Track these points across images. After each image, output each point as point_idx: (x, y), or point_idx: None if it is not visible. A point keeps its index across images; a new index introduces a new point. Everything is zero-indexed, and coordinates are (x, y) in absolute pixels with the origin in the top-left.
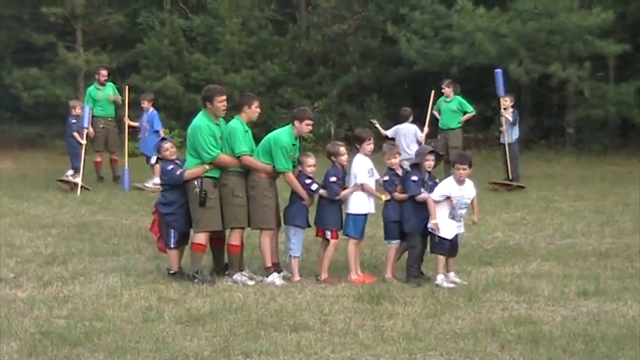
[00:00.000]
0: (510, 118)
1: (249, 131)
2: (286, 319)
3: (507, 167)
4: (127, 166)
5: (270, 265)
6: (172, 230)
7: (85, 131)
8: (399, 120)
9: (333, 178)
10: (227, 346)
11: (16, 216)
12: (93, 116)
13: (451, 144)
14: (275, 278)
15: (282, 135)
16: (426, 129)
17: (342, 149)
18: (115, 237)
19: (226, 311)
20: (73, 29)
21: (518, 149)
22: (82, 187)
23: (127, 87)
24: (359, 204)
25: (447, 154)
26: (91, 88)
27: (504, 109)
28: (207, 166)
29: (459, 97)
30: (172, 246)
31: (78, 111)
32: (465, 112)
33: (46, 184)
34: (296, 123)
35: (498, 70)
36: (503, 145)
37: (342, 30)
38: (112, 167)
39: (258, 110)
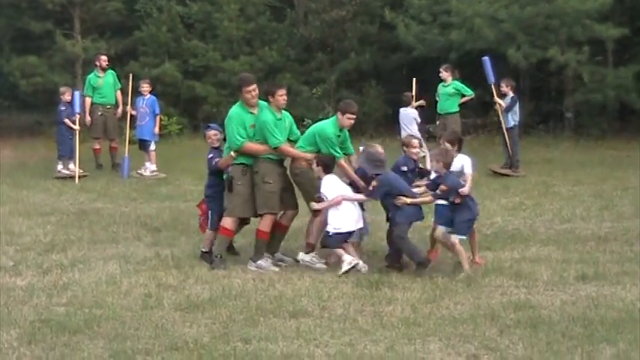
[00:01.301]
0: (503, 104)
1: (282, 118)
2: (285, 305)
3: (507, 153)
4: (127, 154)
5: (312, 242)
6: (210, 212)
7: (77, 117)
8: (401, 104)
9: (404, 168)
10: (226, 332)
11: (15, 204)
12: (92, 103)
13: (450, 129)
14: (305, 256)
15: (326, 126)
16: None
17: (415, 142)
18: (114, 224)
19: (225, 298)
20: (71, 16)
21: (517, 135)
22: (79, 174)
23: (130, 75)
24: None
25: None
26: (91, 76)
27: (499, 95)
28: (233, 154)
29: (456, 82)
30: (209, 227)
31: (67, 97)
32: (464, 96)
33: (45, 172)
34: (339, 115)
35: (485, 58)
36: (502, 130)
37: (340, 16)
38: (111, 155)
39: (284, 98)
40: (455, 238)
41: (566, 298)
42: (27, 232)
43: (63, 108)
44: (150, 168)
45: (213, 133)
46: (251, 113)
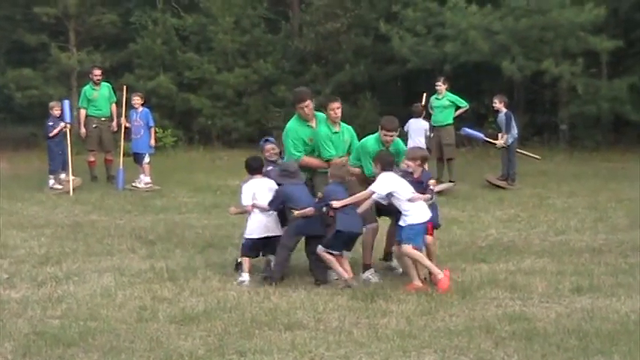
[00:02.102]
0: (503, 142)
1: (340, 132)
2: (280, 318)
3: (506, 167)
4: (121, 166)
5: (368, 262)
6: None
7: (68, 126)
8: (410, 115)
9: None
10: (221, 345)
11: (10, 216)
12: (87, 116)
13: (445, 141)
14: (369, 274)
15: (368, 142)
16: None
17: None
18: (109, 237)
19: (220, 310)
20: (66, 29)
21: (516, 149)
22: (74, 185)
23: (124, 87)
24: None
25: (441, 151)
26: (86, 88)
27: (496, 110)
28: None
29: (450, 93)
30: None
31: (56, 112)
32: (458, 107)
33: (40, 184)
34: (380, 131)
35: (463, 129)
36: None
37: (335, 28)
38: (106, 167)
39: (334, 112)
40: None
41: (561, 310)
42: (21, 244)
43: (51, 123)
44: (144, 180)
45: (270, 147)
46: (309, 126)
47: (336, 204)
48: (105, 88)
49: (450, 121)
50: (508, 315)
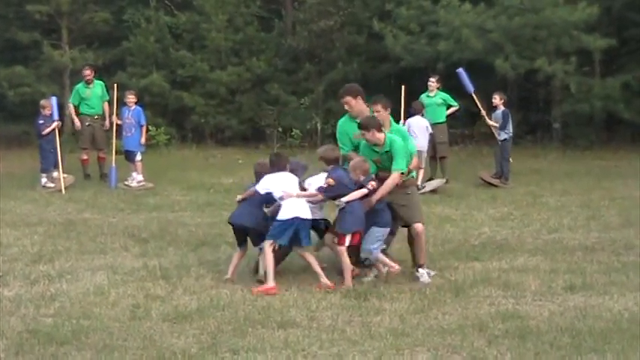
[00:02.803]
0: (493, 123)
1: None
2: (274, 316)
3: (500, 165)
4: (114, 164)
5: (422, 261)
6: None
7: (57, 124)
8: (410, 114)
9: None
10: (214, 343)
11: (3, 214)
12: (79, 114)
13: (438, 139)
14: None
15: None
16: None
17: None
18: (102, 235)
19: (213, 308)
20: (59, 27)
21: (509, 148)
22: (64, 182)
23: (115, 85)
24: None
25: (434, 149)
26: (79, 86)
27: (483, 106)
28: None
29: (441, 92)
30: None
31: (47, 112)
32: (450, 106)
33: (33, 182)
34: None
35: (460, 70)
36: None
37: (328, 26)
38: (99, 165)
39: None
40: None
41: (554, 309)
42: (14, 242)
43: (41, 122)
44: (137, 178)
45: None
46: (357, 122)
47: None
48: (98, 87)
49: (443, 119)
50: (501, 313)
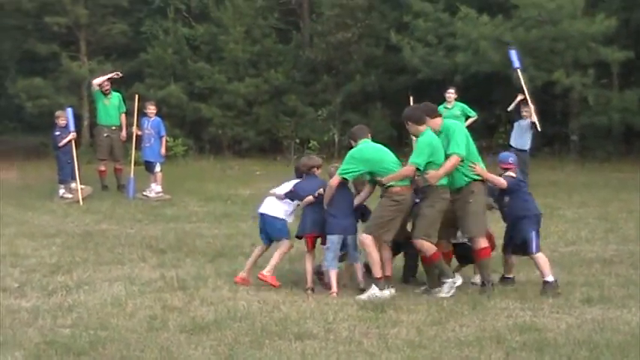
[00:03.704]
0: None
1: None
2: (290, 328)
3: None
4: (132, 175)
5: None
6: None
7: (72, 135)
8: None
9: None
10: (232, 354)
11: (21, 225)
12: (97, 124)
13: None
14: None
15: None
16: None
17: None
18: (120, 246)
19: (231, 320)
20: (77, 39)
21: (528, 159)
22: (82, 193)
23: (136, 96)
24: None
25: None
26: (98, 93)
27: (524, 115)
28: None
29: (459, 103)
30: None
31: (62, 122)
32: (467, 117)
33: (50, 193)
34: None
35: (511, 50)
36: (514, 149)
37: (346, 38)
38: (116, 176)
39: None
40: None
41: (571, 321)
42: (32, 253)
43: (57, 133)
44: (155, 189)
45: None
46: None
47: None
48: (115, 98)
49: None
50: (519, 325)
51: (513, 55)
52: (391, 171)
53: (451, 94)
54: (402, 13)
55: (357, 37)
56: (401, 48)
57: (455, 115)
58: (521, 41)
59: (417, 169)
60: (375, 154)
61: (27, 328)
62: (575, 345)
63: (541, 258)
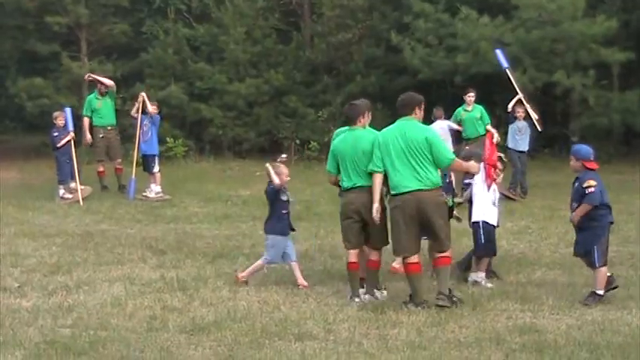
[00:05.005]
0: (532, 111)
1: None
2: (290, 328)
3: (519, 176)
4: (133, 176)
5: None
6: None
7: (70, 135)
8: (432, 120)
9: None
10: (231, 355)
11: (21, 225)
12: (93, 126)
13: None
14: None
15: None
16: None
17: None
18: (120, 246)
19: (230, 320)
20: (78, 38)
21: (526, 161)
22: (82, 193)
23: (141, 95)
24: None
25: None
26: (91, 97)
27: (515, 117)
28: None
29: (478, 106)
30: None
31: (60, 122)
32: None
33: (51, 193)
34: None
35: (497, 52)
36: (512, 150)
37: (347, 39)
38: (116, 176)
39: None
40: None
41: (571, 323)
42: (32, 253)
43: (55, 134)
44: (154, 190)
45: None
46: None
47: None
48: (108, 97)
49: (483, 131)
50: (518, 327)
51: (500, 55)
52: None
53: (471, 96)
54: (402, 13)
55: (358, 38)
56: (401, 49)
57: (475, 118)
58: (522, 42)
59: None
60: None
61: (27, 327)
62: (575, 346)
63: None
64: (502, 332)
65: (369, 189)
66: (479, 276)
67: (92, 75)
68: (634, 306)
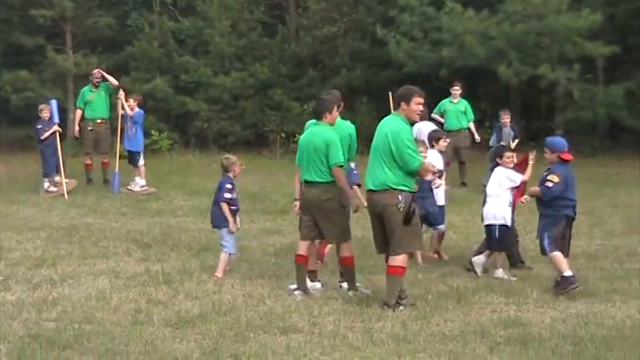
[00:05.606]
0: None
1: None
2: (275, 322)
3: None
4: (117, 169)
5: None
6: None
7: (55, 128)
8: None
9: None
10: (216, 348)
11: (5, 218)
12: (83, 118)
13: (462, 144)
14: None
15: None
16: None
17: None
18: (105, 240)
19: (215, 314)
20: (63, 31)
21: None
22: (67, 187)
23: (121, 93)
24: None
25: (459, 154)
26: (84, 89)
27: (504, 124)
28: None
29: (464, 100)
30: None
31: (45, 115)
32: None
33: (35, 186)
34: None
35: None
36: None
37: (332, 32)
38: (103, 170)
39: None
40: None
41: (556, 316)
42: (16, 246)
43: (39, 126)
44: (139, 183)
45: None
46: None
47: None
48: (102, 90)
49: (466, 125)
50: (503, 320)
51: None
52: None
53: (457, 90)
54: (387, 7)
55: (343, 32)
56: (386, 42)
57: (460, 110)
58: (507, 36)
59: None
60: None
61: (11, 321)
62: (559, 339)
63: None
64: (487, 325)
65: (319, 185)
66: (499, 272)
67: (101, 71)
68: (618, 299)
